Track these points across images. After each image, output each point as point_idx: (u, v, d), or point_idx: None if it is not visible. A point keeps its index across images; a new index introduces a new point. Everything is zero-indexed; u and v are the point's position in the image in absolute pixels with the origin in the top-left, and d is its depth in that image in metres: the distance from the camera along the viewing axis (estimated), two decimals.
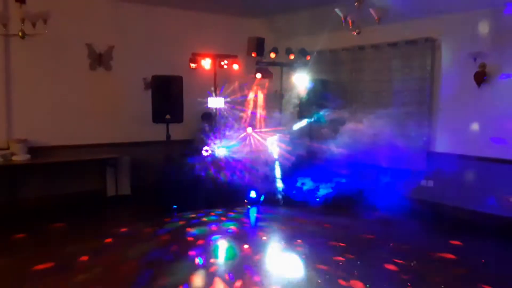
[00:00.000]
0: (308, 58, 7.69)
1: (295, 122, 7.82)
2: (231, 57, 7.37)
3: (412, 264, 4.69)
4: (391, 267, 4.62)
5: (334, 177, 7.22)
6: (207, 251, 5.13)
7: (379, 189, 6.61)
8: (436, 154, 6.70)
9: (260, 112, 7.55)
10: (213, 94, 7.16)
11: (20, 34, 4.96)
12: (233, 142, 7.15)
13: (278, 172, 7.30)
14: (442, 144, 6.69)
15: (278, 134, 7.40)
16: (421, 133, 6.75)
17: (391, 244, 5.31)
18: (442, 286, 4.15)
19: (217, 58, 7.25)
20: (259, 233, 5.92)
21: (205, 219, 6.37)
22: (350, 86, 7.81)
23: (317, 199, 7.15)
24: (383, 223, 6.05)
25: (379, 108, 6.89)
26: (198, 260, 4.81)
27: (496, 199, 5.99)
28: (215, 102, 7.14)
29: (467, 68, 6.19)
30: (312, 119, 7.74)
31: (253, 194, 7.12)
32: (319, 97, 7.61)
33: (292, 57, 7.62)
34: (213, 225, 6.08)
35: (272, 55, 7.40)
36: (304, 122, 7.81)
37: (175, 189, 6.74)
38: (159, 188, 7.08)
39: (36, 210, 6.65)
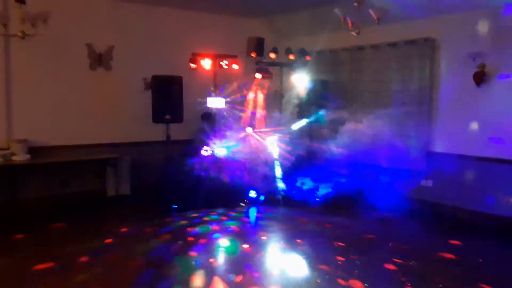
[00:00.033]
0: (308, 58, 7.67)
1: (295, 122, 7.82)
2: (231, 57, 7.36)
3: (410, 263, 4.69)
4: (390, 266, 4.62)
5: (334, 177, 7.21)
6: (207, 251, 5.12)
7: (378, 189, 6.60)
8: (435, 154, 6.70)
9: (260, 112, 7.55)
10: (213, 94, 7.16)
11: (20, 34, 4.98)
12: (233, 142, 7.15)
13: (278, 172, 7.31)
14: (442, 144, 6.69)
15: (278, 134, 7.41)
16: (420, 133, 6.76)
17: (390, 244, 5.31)
18: (442, 286, 4.16)
19: (217, 58, 7.25)
20: (259, 232, 5.92)
21: (206, 218, 6.37)
22: (349, 86, 7.81)
23: (317, 199, 7.16)
24: (383, 223, 6.05)
25: (379, 108, 6.90)
26: (196, 261, 4.81)
27: (496, 198, 6.00)
28: (215, 102, 7.14)
29: (467, 68, 6.20)
30: (312, 119, 7.74)
31: (253, 194, 7.12)
32: (319, 97, 7.62)
33: (292, 57, 7.60)
34: (214, 224, 6.08)
35: (272, 55, 7.39)
36: (304, 122, 7.81)
37: (175, 189, 6.75)
38: (159, 188, 7.09)
39: (36, 210, 6.65)
